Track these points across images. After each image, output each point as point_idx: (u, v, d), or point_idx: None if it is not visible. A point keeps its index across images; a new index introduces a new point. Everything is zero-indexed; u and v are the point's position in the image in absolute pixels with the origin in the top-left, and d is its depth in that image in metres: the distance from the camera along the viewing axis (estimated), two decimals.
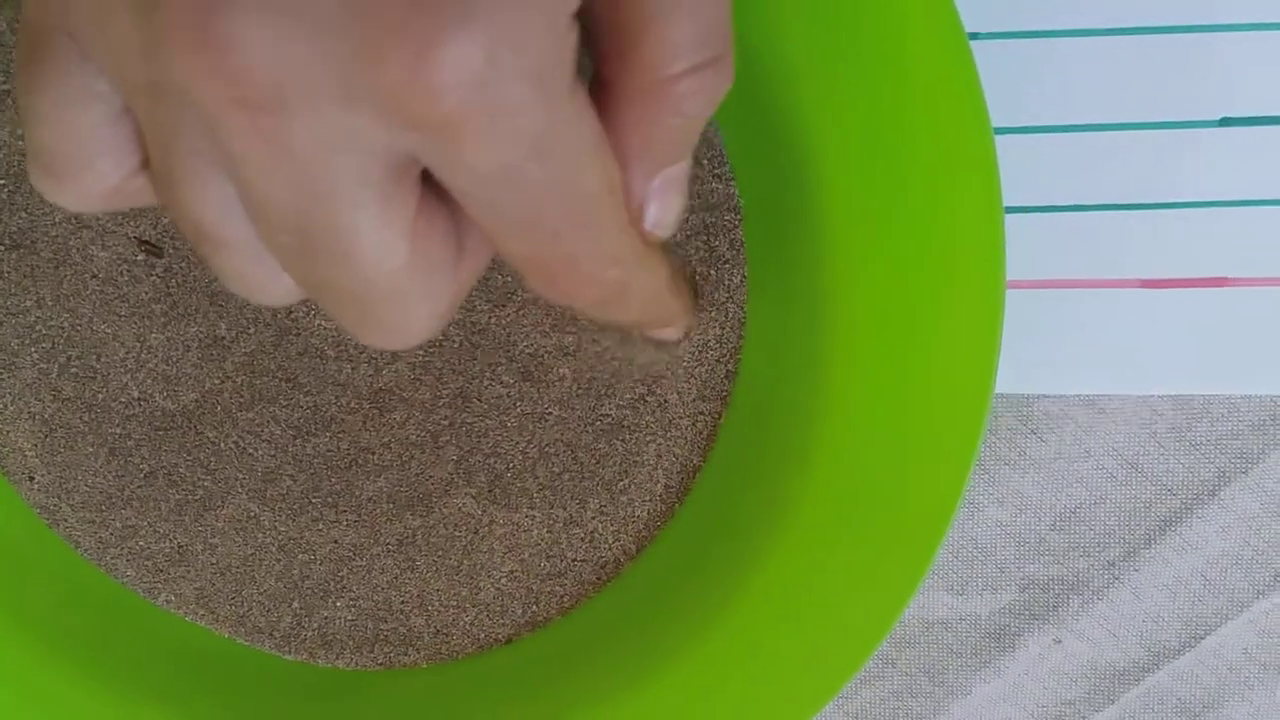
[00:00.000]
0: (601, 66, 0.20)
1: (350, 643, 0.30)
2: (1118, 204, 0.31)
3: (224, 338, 0.29)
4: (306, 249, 0.18)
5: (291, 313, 0.29)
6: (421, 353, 0.29)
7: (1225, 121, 0.31)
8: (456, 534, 0.29)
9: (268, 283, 0.20)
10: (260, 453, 0.29)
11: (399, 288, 0.19)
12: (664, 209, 0.21)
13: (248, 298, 0.20)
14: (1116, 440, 0.32)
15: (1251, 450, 0.32)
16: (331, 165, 0.17)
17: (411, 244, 0.18)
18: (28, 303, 0.29)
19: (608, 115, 0.19)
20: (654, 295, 0.23)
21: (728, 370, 0.29)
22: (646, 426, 0.29)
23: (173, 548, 0.29)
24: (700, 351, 0.29)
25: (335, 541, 0.29)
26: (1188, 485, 0.32)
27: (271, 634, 0.30)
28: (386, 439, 0.29)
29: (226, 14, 0.16)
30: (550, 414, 0.29)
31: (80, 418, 0.29)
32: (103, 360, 0.29)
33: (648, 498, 0.29)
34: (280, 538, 0.29)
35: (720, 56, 0.19)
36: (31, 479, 0.29)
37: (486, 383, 0.29)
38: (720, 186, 0.28)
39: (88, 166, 0.19)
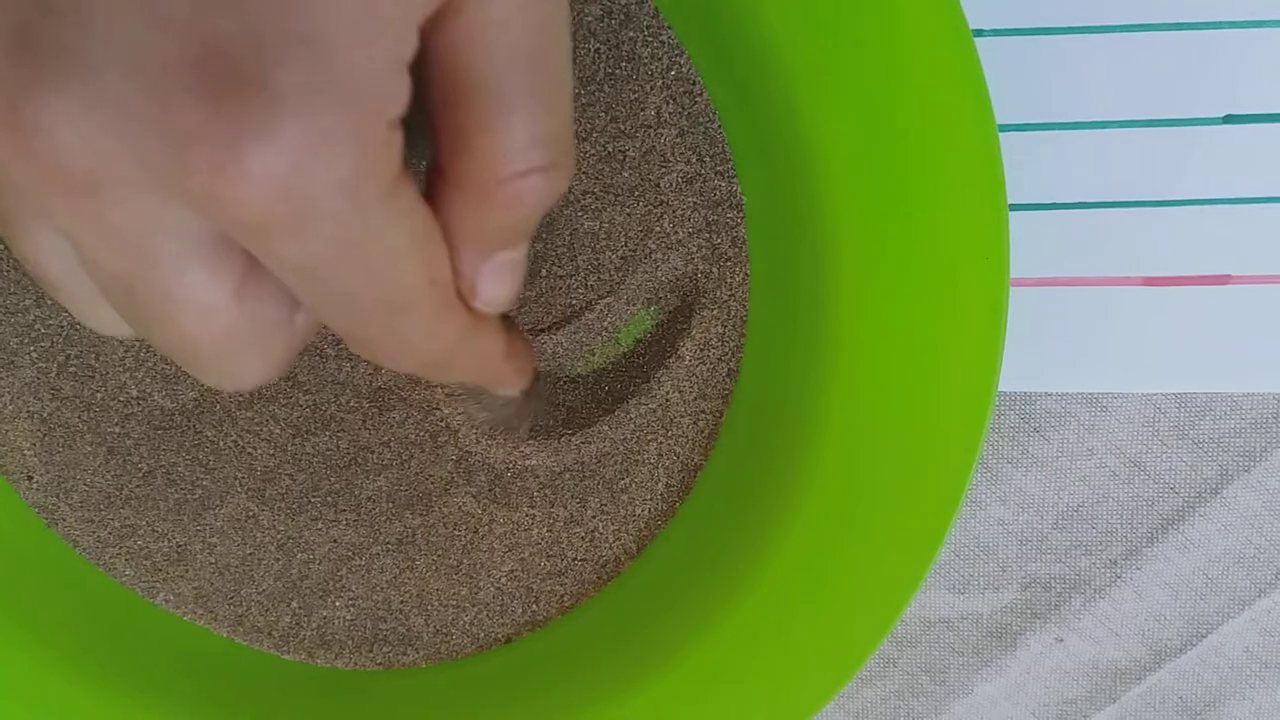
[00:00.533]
0: (439, 155, 0.20)
1: (349, 642, 0.30)
2: (1121, 201, 0.31)
3: None
4: (137, 308, 0.19)
5: None
6: None
7: (1229, 119, 0.31)
8: (456, 533, 0.29)
9: (112, 324, 0.21)
10: (259, 452, 0.29)
11: (228, 344, 0.19)
12: (496, 290, 0.21)
13: (98, 331, 0.21)
14: (1119, 438, 0.32)
15: (1254, 448, 0.32)
16: (152, 240, 0.18)
17: (238, 306, 0.19)
18: (26, 301, 0.28)
19: (442, 201, 0.20)
20: (484, 363, 0.23)
21: (729, 369, 0.29)
22: (647, 425, 0.29)
23: (171, 547, 0.29)
24: (702, 350, 0.29)
25: (334, 541, 0.29)
26: (1190, 483, 0.32)
27: (270, 633, 0.30)
28: (386, 438, 0.29)
29: (38, 98, 0.16)
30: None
31: (79, 416, 0.29)
32: (101, 359, 0.29)
33: (648, 496, 0.29)
34: (279, 537, 0.29)
35: (556, 162, 0.20)
36: (30, 478, 0.29)
37: None
38: (723, 184, 0.28)
39: None
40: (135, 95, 0.16)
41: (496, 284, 0.21)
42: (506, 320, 0.24)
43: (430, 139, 0.20)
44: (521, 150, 0.19)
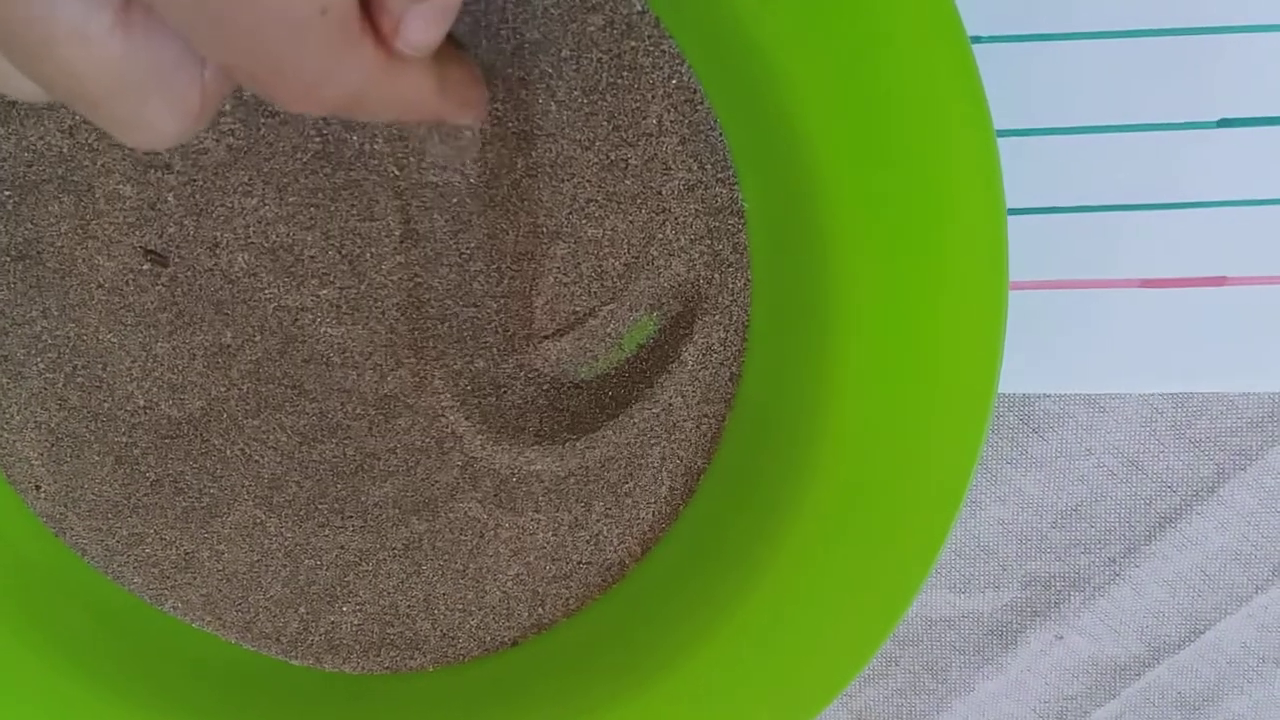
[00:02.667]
0: None
1: (357, 647, 0.30)
2: (1118, 205, 0.31)
3: (230, 345, 0.29)
4: (20, 52, 0.18)
5: (297, 320, 0.29)
6: (427, 359, 0.29)
7: (1224, 123, 0.31)
8: (462, 538, 0.29)
9: (10, 78, 0.19)
10: (266, 459, 0.29)
11: (122, 83, 0.18)
12: (422, 34, 0.20)
13: (11, 96, 0.20)
14: (1117, 438, 0.32)
15: (1250, 447, 0.32)
16: None
17: (124, 38, 0.18)
18: (34, 313, 0.28)
19: None
20: (412, 101, 0.22)
21: (731, 373, 0.29)
22: (650, 430, 0.29)
23: (179, 555, 0.29)
24: (704, 355, 0.29)
25: (341, 547, 0.29)
26: (1187, 482, 0.32)
27: (278, 639, 0.30)
28: (392, 445, 0.29)
29: None
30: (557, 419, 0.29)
31: (86, 427, 0.29)
32: (109, 369, 0.29)
33: (652, 500, 0.29)
34: (286, 544, 0.29)
35: None
36: (38, 488, 0.29)
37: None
38: (724, 191, 0.28)
39: None
40: None
41: (424, 28, 0.20)
42: (449, 50, 0.22)
43: None
44: None
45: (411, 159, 0.28)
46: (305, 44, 0.19)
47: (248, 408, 0.29)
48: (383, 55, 0.20)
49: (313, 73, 0.19)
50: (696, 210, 0.28)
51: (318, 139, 0.28)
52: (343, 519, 0.29)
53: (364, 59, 0.20)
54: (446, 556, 0.29)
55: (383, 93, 0.21)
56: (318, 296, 0.29)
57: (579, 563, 0.29)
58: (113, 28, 0.17)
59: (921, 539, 0.26)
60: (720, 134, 0.28)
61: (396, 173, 0.28)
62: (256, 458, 0.29)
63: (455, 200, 0.28)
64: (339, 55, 0.19)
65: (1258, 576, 0.32)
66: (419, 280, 0.28)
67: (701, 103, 0.28)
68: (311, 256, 0.28)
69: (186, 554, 0.29)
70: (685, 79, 0.28)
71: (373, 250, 0.28)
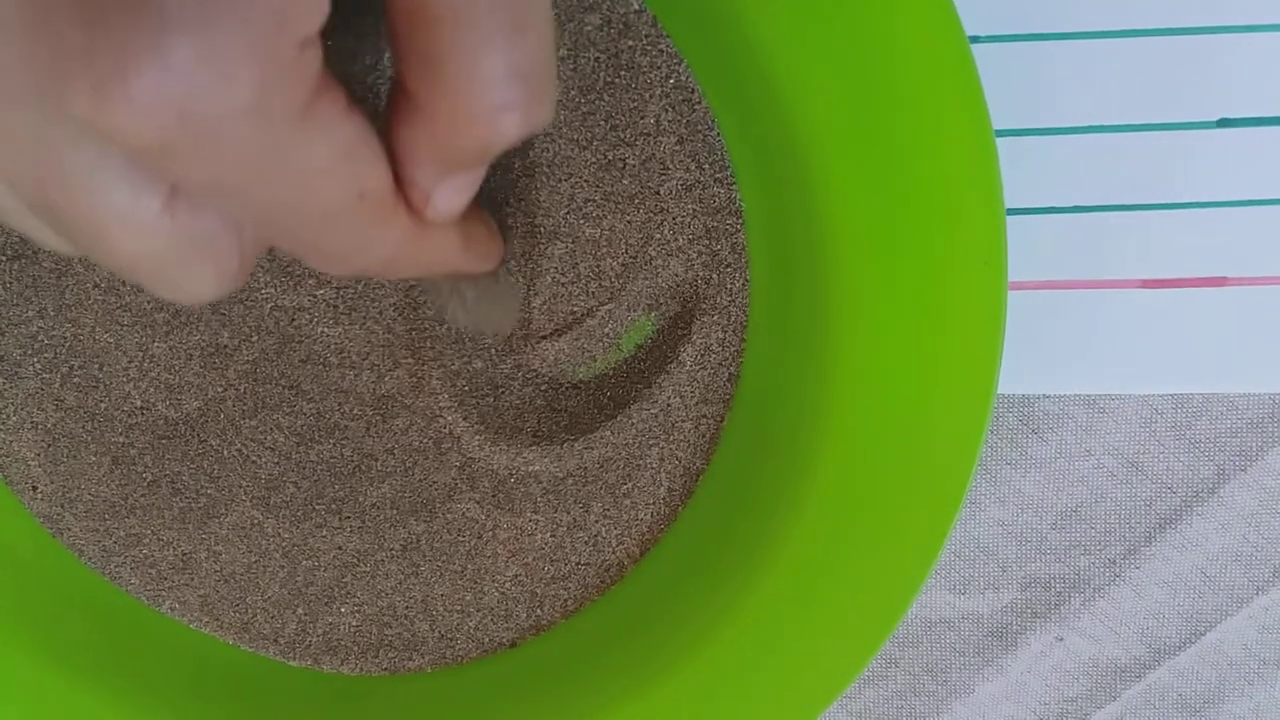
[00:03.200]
0: (402, 75, 0.19)
1: (355, 648, 0.30)
2: (1117, 205, 0.31)
3: (226, 346, 0.29)
4: (66, 227, 0.18)
5: (294, 320, 0.29)
6: (425, 359, 0.29)
7: (1224, 123, 0.31)
8: (460, 539, 0.29)
9: (56, 242, 0.20)
10: (264, 460, 0.29)
11: (169, 259, 0.18)
12: (451, 203, 0.21)
13: (49, 249, 0.20)
14: (1117, 439, 0.32)
15: (1251, 448, 0.32)
16: (61, 157, 0.17)
17: (171, 221, 0.18)
18: (30, 313, 0.28)
19: (404, 120, 0.19)
20: (438, 261, 0.22)
21: (730, 374, 0.29)
22: (649, 430, 0.29)
23: (176, 555, 0.29)
24: (702, 355, 0.29)
25: (339, 548, 0.29)
26: (1188, 483, 0.32)
27: (276, 640, 0.30)
28: (390, 445, 0.29)
29: None
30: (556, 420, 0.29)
31: (83, 427, 0.29)
32: (105, 369, 0.29)
33: (651, 501, 0.29)
34: (284, 544, 0.29)
35: (535, 95, 0.19)
36: (35, 488, 0.29)
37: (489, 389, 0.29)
38: (722, 191, 0.28)
39: None
40: (20, 7, 0.16)
41: (452, 198, 0.21)
42: (470, 207, 0.22)
43: (392, 54, 0.19)
44: (497, 84, 0.18)
45: None
46: (342, 227, 0.19)
47: (245, 408, 0.29)
48: (414, 223, 0.21)
49: (349, 248, 0.20)
50: (694, 210, 0.28)
51: None
52: (340, 519, 0.29)
53: (397, 231, 0.20)
54: (445, 557, 0.29)
55: (413, 256, 0.21)
56: (314, 296, 0.29)
57: (577, 564, 0.29)
58: (160, 213, 0.18)
59: (921, 540, 0.26)
60: (718, 134, 0.28)
61: None
62: (254, 458, 0.29)
63: None
64: (374, 232, 0.20)
65: (1258, 578, 0.32)
66: (416, 280, 0.28)
67: (699, 102, 0.28)
68: None
69: (184, 554, 0.29)
70: (683, 78, 0.28)
71: None
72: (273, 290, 0.28)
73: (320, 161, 0.18)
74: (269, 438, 0.29)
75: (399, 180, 0.20)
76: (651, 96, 0.28)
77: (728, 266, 0.28)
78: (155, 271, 0.19)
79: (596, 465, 0.29)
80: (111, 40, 0.15)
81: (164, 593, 0.29)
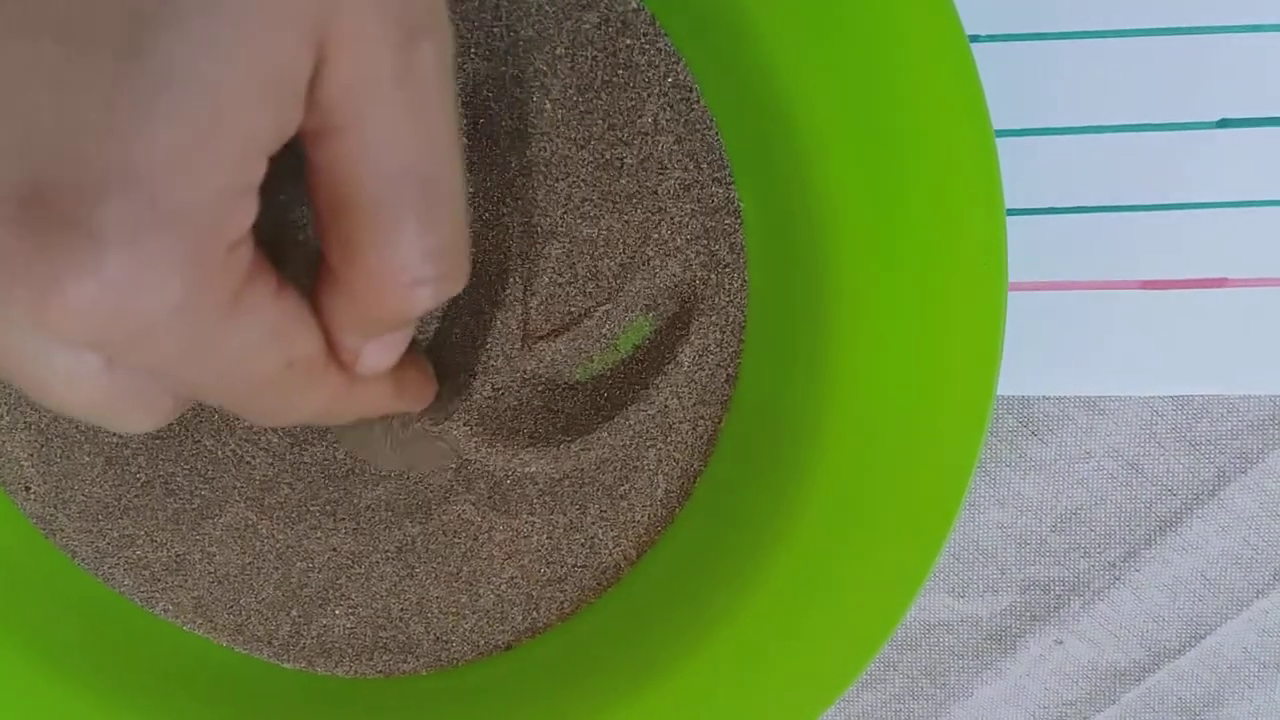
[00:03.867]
0: (327, 254, 0.20)
1: (349, 651, 0.29)
2: (1118, 206, 0.31)
3: None
4: (14, 380, 0.20)
5: None
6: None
7: (1224, 123, 0.31)
8: (456, 540, 0.29)
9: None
10: (258, 461, 0.29)
11: (107, 408, 0.20)
12: (378, 361, 0.22)
13: None
14: (1117, 441, 0.32)
15: (1251, 450, 0.32)
16: (3, 329, 0.18)
17: (109, 377, 0.19)
18: None
19: (329, 294, 0.21)
20: (372, 408, 0.24)
21: (728, 375, 0.29)
22: (646, 431, 0.29)
23: (170, 556, 0.29)
24: (700, 356, 0.29)
25: (334, 549, 0.29)
26: (1188, 485, 0.32)
27: (270, 642, 0.30)
28: None
29: None
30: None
31: (76, 427, 0.29)
32: None
33: (648, 503, 0.29)
34: (278, 546, 0.29)
35: (445, 273, 0.20)
36: (28, 489, 0.29)
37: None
38: (720, 190, 0.28)
39: None
40: None
41: (381, 357, 0.22)
42: (405, 355, 0.24)
43: (318, 237, 0.20)
44: (409, 265, 0.20)
45: None
46: (272, 393, 0.21)
47: None
48: (345, 380, 0.22)
49: (280, 409, 0.22)
50: (693, 210, 0.28)
51: None
52: (335, 521, 0.29)
53: (328, 389, 0.22)
54: (440, 559, 0.29)
55: (345, 407, 0.23)
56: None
57: (573, 566, 0.29)
58: (100, 371, 0.19)
59: (920, 542, 0.26)
60: (717, 133, 0.28)
61: None
62: (248, 459, 0.29)
63: None
64: (304, 393, 0.21)
65: (1258, 581, 0.32)
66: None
67: (698, 101, 0.28)
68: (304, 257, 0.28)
69: (177, 556, 0.29)
70: (681, 77, 0.28)
71: None
72: None
73: (249, 343, 0.20)
74: (263, 439, 0.29)
75: (328, 342, 0.22)
76: (650, 95, 0.28)
77: (726, 267, 0.28)
78: (94, 416, 0.20)
79: (593, 467, 0.29)
80: (51, 254, 0.17)
81: (157, 594, 0.29)
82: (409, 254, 0.20)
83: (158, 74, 0.17)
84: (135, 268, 0.17)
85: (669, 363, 0.29)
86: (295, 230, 0.24)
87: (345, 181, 0.19)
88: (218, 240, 0.18)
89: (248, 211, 0.18)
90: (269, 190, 0.19)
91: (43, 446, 0.29)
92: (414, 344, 0.27)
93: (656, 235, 0.28)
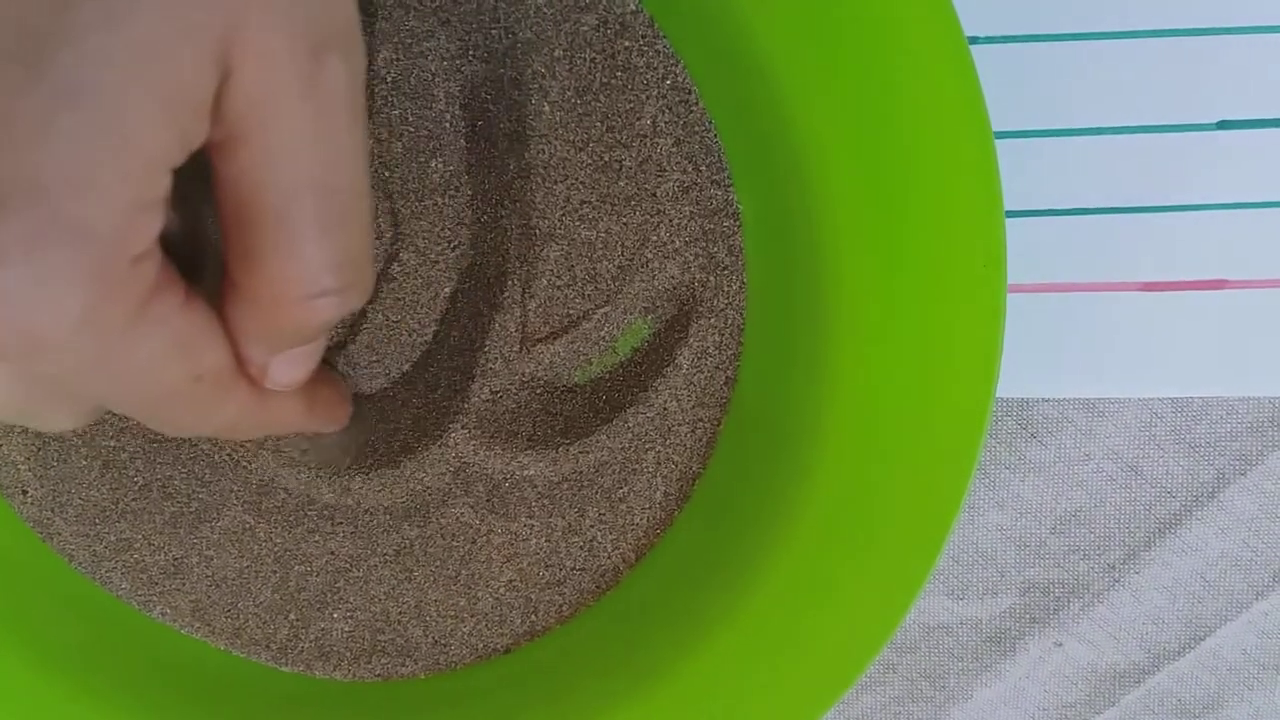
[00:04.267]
0: (230, 265, 0.21)
1: (348, 654, 0.29)
2: (1117, 207, 0.31)
3: None
4: None
5: None
6: (415, 361, 0.29)
7: (1223, 125, 0.31)
8: (454, 544, 0.29)
9: None
10: (255, 464, 0.29)
11: (26, 410, 0.21)
12: (287, 376, 0.22)
13: None
14: (1116, 443, 0.32)
15: (1250, 452, 0.32)
16: None
17: (24, 387, 0.20)
18: None
19: (233, 305, 0.21)
20: (284, 423, 0.24)
21: (727, 377, 0.29)
22: (645, 434, 0.29)
23: (168, 560, 0.29)
24: (699, 358, 0.29)
25: (332, 553, 0.29)
26: (1187, 487, 0.32)
27: (268, 646, 0.29)
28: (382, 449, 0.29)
29: None
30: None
31: (74, 431, 0.29)
32: None
33: (647, 505, 0.29)
34: (276, 549, 0.29)
35: (349, 284, 0.21)
36: (25, 493, 0.29)
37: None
38: (719, 192, 0.28)
39: None
40: None
41: (289, 371, 0.22)
42: (320, 371, 0.24)
43: (223, 247, 0.20)
44: (311, 276, 0.20)
45: (400, 159, 0.28)
46: (179, 405, 0.21)
47: None
48: (255, 393, 0.22)
49: (188, 420, 0.22)
50: (691, 212, 0.28)
51: None
52: (333, 525, 0.29)
53: (237, 403, 0.22)
54: (438, 562, 0.29)
55: (254, 421, 0.23)
56: None
57: (572, 569, 0.29)
58: (11, 377, 0.20)
59: (919, 545, 0.26)
60: (715, 135, 0.28)
61: (386, 174, 0.28)
62: (245, 463, 0.29)
63: (445, 201, 0.28)
64: (212, 406, 0.22)
65: (1258, 583, 0.32)
66: None
67: (696, 104, 0.28)
68: None
69: (175, 559, 0.29)
70: (680, 80, 0.28)
71: None
72: None
73: (155, 355, 0.20)
74: (268, 440, 0.29)
75: (236, 356, 0.22)
76: (648, 98, 0.28)
77: (725, 269, 0.28)
78: (12, 418, 0.21)
79: (592, 469, 0.29)
80: None
81: (155, 598, 0.29)
82: (309, 265, 0.20)
83: (58, 89, 0.17)
84: (34, 281, 0.17)
85: (668, 365, 0.29)
86: (209, 242, 0.24)
87: (247, 192, 0.19)
88: (120, 254, 0.18)
89: (152, 225, 0.19)
90: (184, 201, 0.20)
91: (40, 450, 0.29)
92: (328, 363, 0.27)
93: (655, 237, 0.28)
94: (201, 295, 0.21)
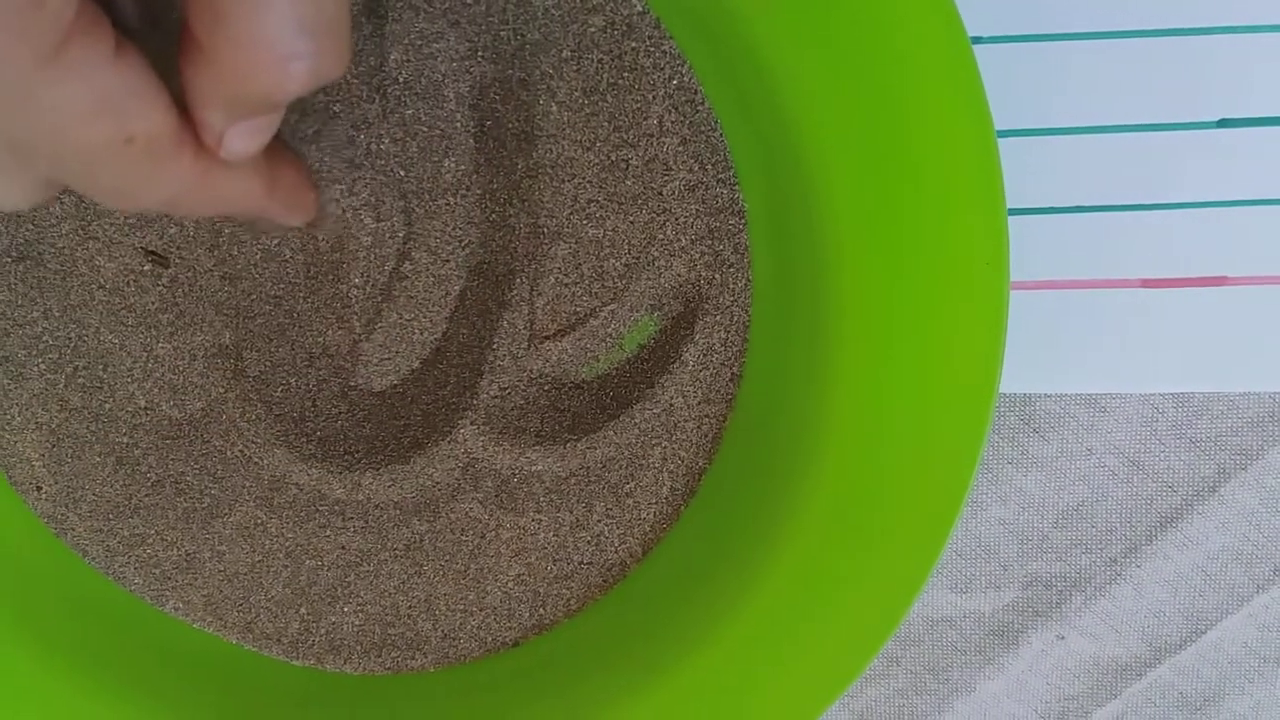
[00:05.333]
0: (190, 20, 0.19)
1: (358, 648, 0.30)
2: (1118, 205, 0.31)
3: (230, 346, 0.29)
4: None
5: (297, 321, 0.29)
6: (425, 358, 0.29)
7: (1224, 123, 0.31)
8: (463, 538, 0.29)
9: None
10: (267, 460, 0.29)
11: None
12: (243, 145, 0.21)
13: None
14: (1118, 438, 0.32)
15: (1251, 447, 0.32)
16: None
17: None
18: (35, 314, 0.28)
19: (193, 66, 0.19)
20: (234, 202, 0.23)
21: (733, 373, 0.29)
22: (652, 430, 0.29)
23: (180, 555, 0.29)
24: (705, 355, 0.29)
25: (342, 547, 0.29)
26: (1188, 482, 0.32)
27: (279, 640, 0.30)
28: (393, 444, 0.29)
29: None
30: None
31: (87, 427, 0.29)
32: (110, 370, 0.29)
33: (654, 501, 0.29)
34: (287, 544, 0.29)
35: (322, 49, 0.19)
36: (39, 489, 0.29)
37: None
38: (725, 191, 0.28)
39: None
40: None
41: (246, 141, 0.21)
42: (282, 153, 0.22)
43: (183, 2, 0.19)
44: (283, 35, 0.18)
45: (415, 159, 0.28)
46: (113, 168, 0.20)
47: (249, 413, 0.29)
48: (202, 164, 0.21)
49: (126, 187, 0.20)
50: (697, 211, 0.28)
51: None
52: (344, 520, 0.29)
53: (178, 172, 0.21)
54: (447, 557, 0.29)
55: (203, 196, 0.21)
56: (316, 299, 0.29)
57: (580, 563, 0.29)
58: None
59: (923, 539, 0.26)
60: (721, 134, 0.28)
61: (402, 174, 0.28)
62: (256, 459, 0.29)
63: (457, 201, 0.28)
64: (149, 173, 0.20)
65: (1259, 576, 0.32)
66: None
67: (702, 103, 0.28)
68: (313, 257, 0.28)
69: (187, 555, 0.29)
70: (686, 80, 0.28)
71: (377, 252, 0.28)
72: (277, 291, 0.28)
73: (75, 106, 0.18)
74: (276, 442, 0.29)
75: (192, 120, 0.20)
76: (655, 98, 0.28)
77: (730, 267, 0.28)
78: None
79: (599, 465, 0.29)
80: None
81: (168, 593, 0.29)
82: (281, 24, 0.18)
83: None
84: None
85: (674, 362, 0.29)
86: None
87: None
88: None
89: None
90: None
91: (54, 447, 0.29)
92: (288, 145, 0.25)
93: (662, 236, 0.28)
94: (140, 51, 0.19)
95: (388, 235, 0.28)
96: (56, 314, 0.28)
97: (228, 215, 0.23)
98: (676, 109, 0.28)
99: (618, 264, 0.28)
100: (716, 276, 0.28)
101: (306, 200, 0.25)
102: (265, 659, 0.30)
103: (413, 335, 0.29)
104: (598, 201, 0.28)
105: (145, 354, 0.29)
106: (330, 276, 0.28)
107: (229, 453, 0.29)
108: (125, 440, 0.29)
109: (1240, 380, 0.31)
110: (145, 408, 0.29)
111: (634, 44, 0.27)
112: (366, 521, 0.29)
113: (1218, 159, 0.31)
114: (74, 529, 0.29)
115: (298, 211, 0.25)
